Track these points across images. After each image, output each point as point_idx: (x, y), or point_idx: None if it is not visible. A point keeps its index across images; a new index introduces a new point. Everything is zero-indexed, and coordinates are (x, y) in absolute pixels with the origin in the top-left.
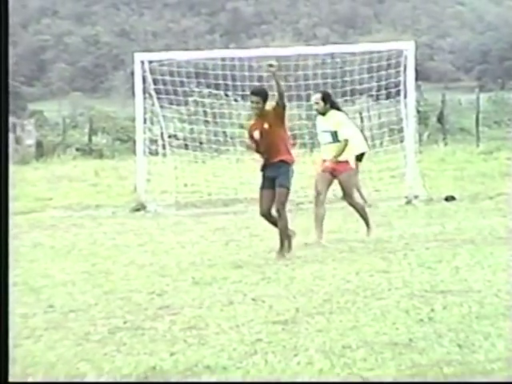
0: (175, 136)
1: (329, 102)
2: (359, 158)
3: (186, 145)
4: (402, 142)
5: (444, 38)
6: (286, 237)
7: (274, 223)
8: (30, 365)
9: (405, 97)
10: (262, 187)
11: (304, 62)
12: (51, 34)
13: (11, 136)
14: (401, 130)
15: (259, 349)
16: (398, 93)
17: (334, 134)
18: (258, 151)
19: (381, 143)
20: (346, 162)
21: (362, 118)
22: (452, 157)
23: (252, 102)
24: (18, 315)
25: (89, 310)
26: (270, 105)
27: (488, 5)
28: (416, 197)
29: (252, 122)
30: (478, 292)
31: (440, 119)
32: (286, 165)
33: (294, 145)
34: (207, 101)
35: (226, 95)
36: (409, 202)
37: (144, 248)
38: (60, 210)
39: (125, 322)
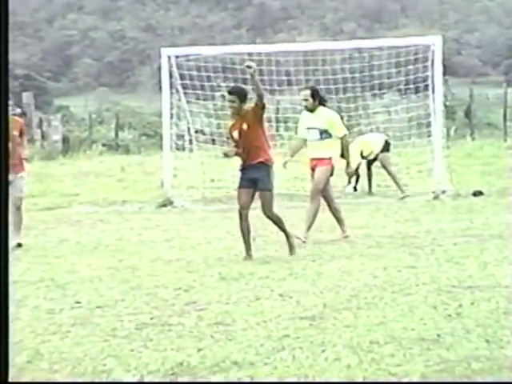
0: (202, 131)
1: (318, 99)
2: (385, 149)
3: (213, 140)
4: (429, 136)
5: (471, 32)
6: (287, 232)
7: (246, 226)
8: (57, 361)
9: (432, 91)
10: (240, 187)
11: (331, 57)
12: (77, 29)
13: (38, 131)
14: (428, 125)
15: (286, 344)
16: (425, 87)
17: (324, 132)
18: (237, 152)
19: (408, 138)
20: (329, 158)
21: (389, 113)
22: (479, 152)
23: (228, 101)
24: (45, 311)
25: (115, 306)
26: (249, 105)
27: None
28: (443, 192)
29: (232, 121)
30: (506, 287)
31: (467, 114)
32: (266, 166)
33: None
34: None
35: (253, 90)
36: (436, 197)
37: (171, 243)
38: (86, 205)
39: (152, 318)
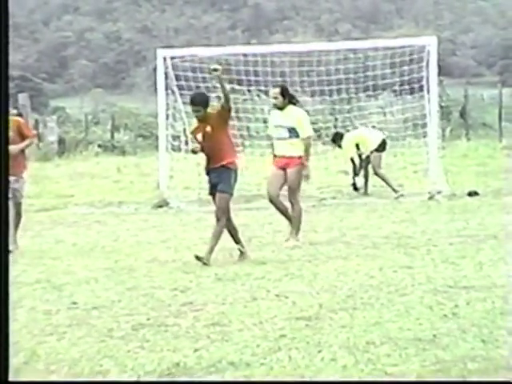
0: None
1: (287, 97)
2: (382, 148)
3: None
4: (424, 137)
5: (466, 33)
6: (216, 243)
7: (232, 226)
8: (54, 362)
9: (427, 92)
10: (210, 193)
11: (326, 58)
12: (73, 31)
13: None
14: (424, 126)
15: (283, 345)
16: (420, 88)
17: (292, 130)
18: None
19: (404, 139)
20: (300, 157)
21: (384, 114)
22: (475, 152)
23: (193, 111)
24: (41, 312)
25: (112, 307)
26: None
27: (510, 0)
28: (439, 192)
29: (195, 124)
30: (502, 287)
31: (462, 114)
32: (229, 170)
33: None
34: (230, 96)
35: (249, 91)
36: (432, 198)
37: (167, 244)
38: (82, 206)
39: (148, 319)
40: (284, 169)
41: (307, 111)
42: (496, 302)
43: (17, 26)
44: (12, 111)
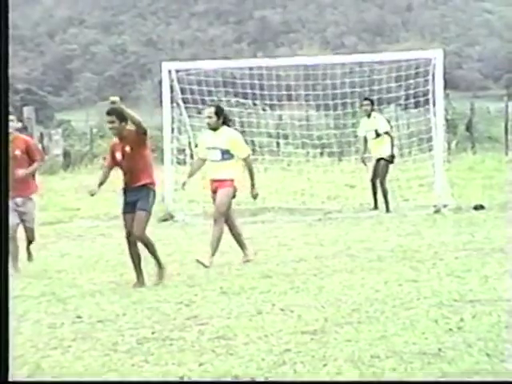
0: None
1: (222, 117)
2: (389, 159)
3: None
4: (430, 150)
5: (472, 46)
6: (158, 260)
7: (136, 251)
8: (59, 375)
9: (433, 105)
10: (124, 211)
11: (332, 71)
12: (78, 44)
13: (39, 146)
14: (429, 139)
15: (288, 359)
16: (426, 101)
17: (226, 152)
18: (101, 182)
19: (409, 152)
20: (232, 180)
21: (390, 127)
22: (481, 165)
23: (107, 121)
24: (46, 325)
25: (117, 321)
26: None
27: None
28: (445, 206)
29: (115, 141)
30: (508, 301)
31: (468, 128)
32: (147, 189)
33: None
34: (235, 110)
35: (254, 104)
36: (437, 211)
37: (172, 258)
38: (87, 220)
39: (153, 333)
40: (216, 192)
41: (312, 125)
42: (501, 315)
43: (22, 38)
44: (16, 124)
